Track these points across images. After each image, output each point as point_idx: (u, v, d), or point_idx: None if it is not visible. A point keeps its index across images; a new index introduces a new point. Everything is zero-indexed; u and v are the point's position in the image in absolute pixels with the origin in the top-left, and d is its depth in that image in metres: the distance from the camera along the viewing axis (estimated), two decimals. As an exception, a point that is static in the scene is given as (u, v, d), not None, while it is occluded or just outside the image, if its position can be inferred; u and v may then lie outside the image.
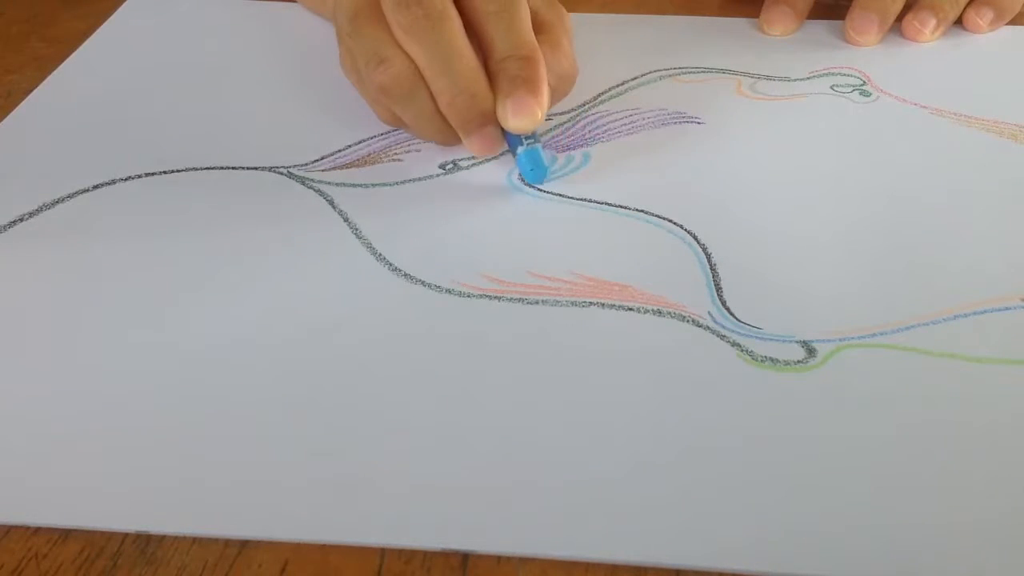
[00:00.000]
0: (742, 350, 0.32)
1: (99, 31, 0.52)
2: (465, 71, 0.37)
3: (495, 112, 0.38)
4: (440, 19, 0.37)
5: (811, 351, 0.32)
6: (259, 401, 0.31)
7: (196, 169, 0.42)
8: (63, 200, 0.40)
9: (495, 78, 0.38)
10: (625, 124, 0.44)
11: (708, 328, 0.33)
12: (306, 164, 0.42)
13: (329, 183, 0.41)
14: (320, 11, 0.53)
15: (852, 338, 0.33)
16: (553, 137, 0.43)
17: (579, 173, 0.41)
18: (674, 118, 0.45)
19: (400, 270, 0.36)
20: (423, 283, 0.35)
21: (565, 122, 0.44)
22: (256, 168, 0.42)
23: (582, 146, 0.42)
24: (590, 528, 0.27)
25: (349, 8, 0.39)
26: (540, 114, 0.38)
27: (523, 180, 0.40)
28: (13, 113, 0.46)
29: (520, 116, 0.37)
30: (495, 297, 0.35)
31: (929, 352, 0.32)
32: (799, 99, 0.46)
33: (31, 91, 0.47)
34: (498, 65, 0.38)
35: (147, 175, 0.41)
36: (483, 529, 0.27)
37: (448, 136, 0.40)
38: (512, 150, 0.40)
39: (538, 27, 0.40)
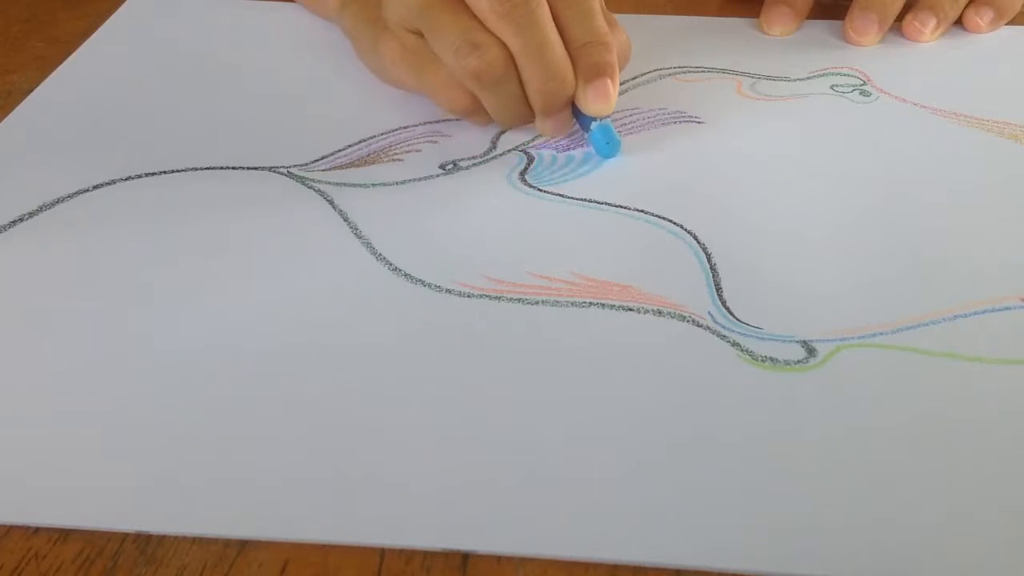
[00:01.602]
0: (742, 350, 0.32)
1: (99, 31, 0.52)
2: (557, 58, 0.39)
3: (573, 96, 0.40)
4: (537, 6, 0.38)
5: (811, 351, 0.32)
6: (259, 401, 0.31)
7: (196, 169, 0.42)
8: (63, 200, 0.40)
9: (576, 63, 0.39)
10: (625, 124, 0.44)
11: (708, 328, 0.33)
12: (306, 164, 0.42)
13: (329, 183, 0.41)
14: (320, 11, 0.52)
15: (852, 338, 0.33)
16: (554, 137, 0.43)
17: (591, 175, 0.41)
18: (674, 118, 0.45)
19: (400, 270, 0.36)
20: (423, 283, 0.35)
21: (565, 122, 0.44)
22: (256, 168, 0.42)
23: (582, 146, 0.42)
24: (590, 528, 0.27)
25: (418, 0, 0.39)
26: (615, 97, 0.40)
27: (521, 181, 0.40)
28: (13, 113, 0.46)
29: (600, 100, 0.39)
30: (495, 297, 0.35)
31: (929, 352, 0.32)
32: (799, 99, 0.46)
33: (31, 91, 0.47)
34: (578, 51, 0.39)
35: (147, 175, 0.41)
36: (483, 529, 0.27)
37: (525, 119, 0.42)
38: (584, 128, 0.41)
39: None
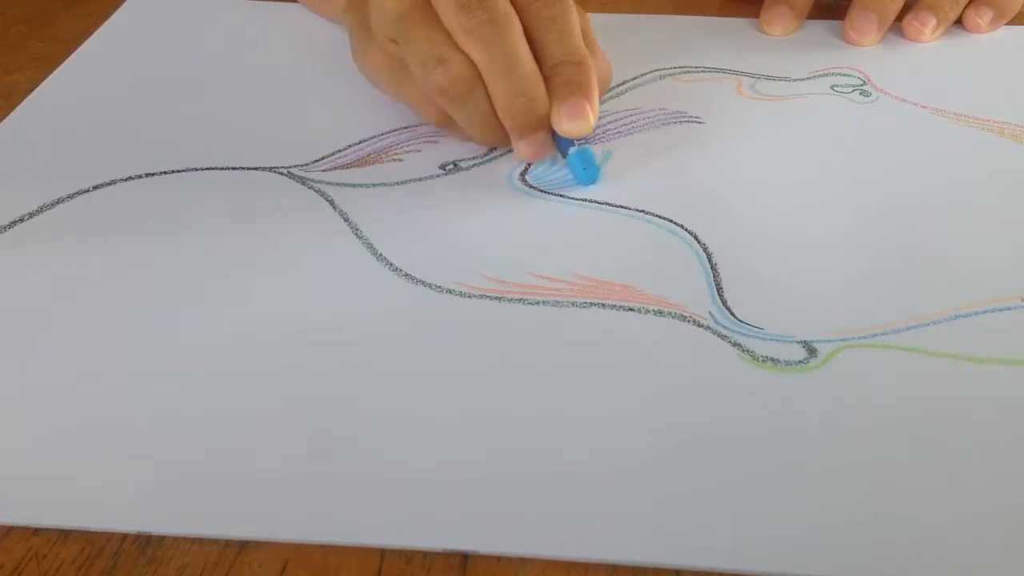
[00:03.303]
0: (743, 350, 0.32)
1: (99, 31, 0.52)
2: (525, 75, 0.38)
3: (548, 117, 0.38)
4: (504, 23, 0.37)
5: (812, 351, 0.32)
6: (259, 401, 0.31)
7: (196, 169, 0.42)
8: (63, 200, 0.40)
9: (550, 82, 0.38)
10: (625, 124, 0.44)
11: (709, 328, 0.33)
12: (306, 164, 0.42)
13: (329, 183, 0.41)
14: (321, 11, 0.53)
15: (853, 338, 0.33)
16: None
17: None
18: (674, 118, 0.45)
19: (400, 270, 0.36)
20: (423, 283, 0.35)
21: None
22: (256, 168, 0.42)
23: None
24: (590, 528, 0.27)
25: (394, 11, 0.39)
26: (592, 118, 0.38)
27: (522, 181, 0.40)
28: (13, 113, 0.46)
29: (575, 120, 0.38)
30: (495, 297, 0.35)
31: (930, 352, 0.32)
32: (799, 99, 0.46)
33: (31, 91, 0.47)
34: (552, 70, 0.38)
35: (147, 175, 0.41)
36: (483, 529, 0.27)
37: (498, 138, 0.40)
38: (562, 152, 0.40)
39: None
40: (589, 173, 0.40)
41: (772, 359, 0.32)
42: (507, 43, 0.37)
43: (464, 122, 0.40)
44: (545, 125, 0.39)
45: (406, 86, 0.41)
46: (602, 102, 0.45)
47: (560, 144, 0.40)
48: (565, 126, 0.38)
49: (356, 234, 0.38)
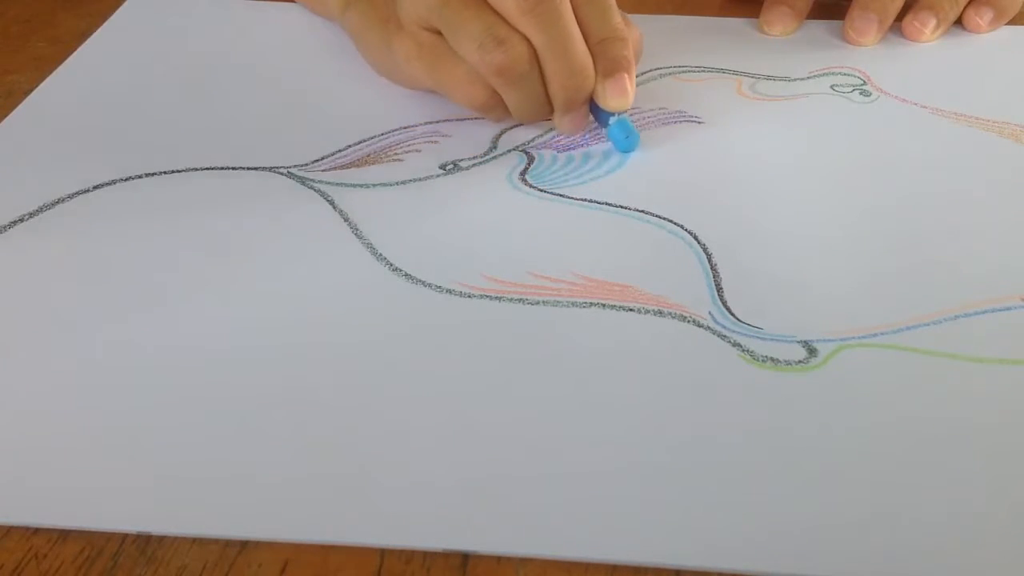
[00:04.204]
0: (743, 350, 0.32)
1: (99, 31, 0.52)
2: (580, 54, 0.39)
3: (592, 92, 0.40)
4: (560, 2, 0.38)
5: (812, 351, 0.32)
6: (259, 401, 0.31)
7: (196, 169, 0.42)
8: (63, 200, 0.40)
9: (595, 59, 0.40)
10: (625, 124, 0.44)
11: (709, 328, 0.33)
12: (306, 164, 0.42)
13: (329, 183, 0.41)
14: (320, 11, 0.52)
15: (853, 338, 0.33)
16: (553, 138, 0.43)
17: (592, 174, 0.41)
18: (674, 117, 0.45)
19: (400, 270, 0.36)
20: (423, 283, 0.35)
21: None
22: (256, 168, 0.42)
23: (583, 146, 0.42)
24: (590, 528, 0.27)
25: None
26: (632, 92, 0.40)
27: (521, 181, 0.40)
28: (13, 113, 0.46)
29: (619, 95, 0.40)
30: (495, 297, 0.35)
31: (930, 352, 0.32)
32: (799, 99, 0.46)
33: (31, 91, 0.47)
34: (597, 47, 0.40)
35: (147, 175, 0.41)
36: (483, 529, 0.27)
37: (544, 115, 0.42)
38: (602, 123, 0.42)
39: None
40: (631, 140, 0.42)
41: (772, 359, 0.32)
42: (563, 22, 0.38)
43: (516, 101, 0.41)
44: (589, 99, 0.40)
45: (446, 71, 0.41)
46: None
47: (599, 116, 0.41)
48: (610, 101, 0.40)
49: (356, 234, 0.38)
